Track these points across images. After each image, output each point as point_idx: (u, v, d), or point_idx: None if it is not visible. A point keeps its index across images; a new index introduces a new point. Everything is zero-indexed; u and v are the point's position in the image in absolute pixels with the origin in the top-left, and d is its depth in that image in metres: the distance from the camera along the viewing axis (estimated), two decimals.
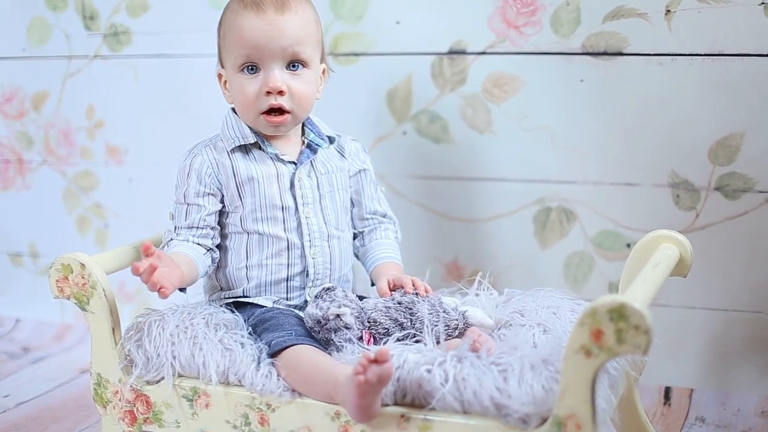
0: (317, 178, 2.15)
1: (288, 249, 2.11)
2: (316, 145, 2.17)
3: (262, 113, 2.08)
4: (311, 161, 2.15)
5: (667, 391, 2.61)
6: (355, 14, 2.76)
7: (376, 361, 1.68)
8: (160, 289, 1.87)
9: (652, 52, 2.50)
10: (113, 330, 2.04)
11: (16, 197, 3.35)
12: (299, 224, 2.11)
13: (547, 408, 1.65)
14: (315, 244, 2.12)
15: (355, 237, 2.28)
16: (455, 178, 2.74)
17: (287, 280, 2.12)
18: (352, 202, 2.26)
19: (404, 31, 2.73)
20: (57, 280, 2.04)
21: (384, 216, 2.30)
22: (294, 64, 2.08)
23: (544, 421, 1.66)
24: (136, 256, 2.19)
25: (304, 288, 2.13)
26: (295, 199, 2.11)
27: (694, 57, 2.46)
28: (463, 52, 2.68)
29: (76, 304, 2.04)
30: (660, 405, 2.56)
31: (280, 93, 2.06)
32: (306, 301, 2.12)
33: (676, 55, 2.48)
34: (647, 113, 2.53)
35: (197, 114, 2.97)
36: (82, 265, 2.01)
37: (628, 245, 2.60)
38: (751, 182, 2.49)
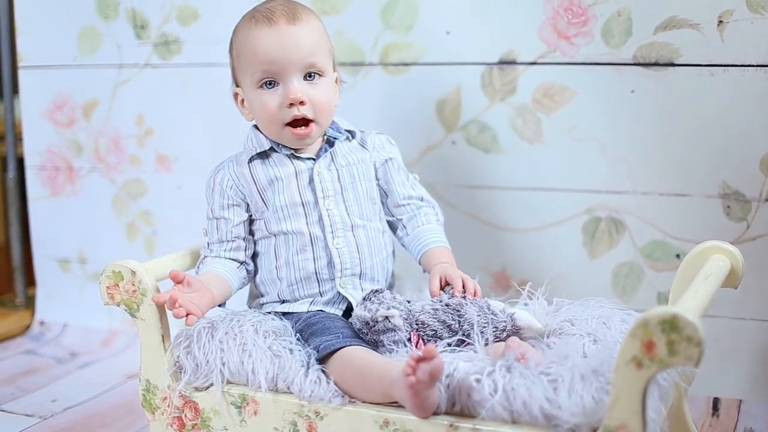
0: (338, 170, 2.17)
1: (311, 243, 2.13)
2: (333, 138, 2.19)
3: (287, 125, 2.10)
4: (331, 154, 2.17)
5: (716, 402, 2.59)
6: (405, 24, 2.76)
7: (423, 359, 1.69)
8: (187, 315, 1.90)
9: (704, 63, 2.48)
10: (163, 337, 2.05)
11: (65, 204, 3.37)
12: (320, 217, 2.13)
13: (597, 419, 1.65)
14: (338, 235, 2.13)
15: (395, 227, 2.30)
16: (504, 188, 2.73)
17: (316, 274, 2.13)
18: (384, 192, 2.27)
19: (454, 41, 2.73)
20: (107, 287, 2.06)
21: (421, 200, 2.30)
22: (311, 74, 2.11)
23: (593, 431, 1.65)
24: (185, 263, 2.21)
25: (333, 279, 2.13)
26: (314, 193, 2.13)
27: (746, 68, 2.44)
28: (513, 63, 2.67)
29: (126, 310, 2.06)
30: (708, 416, 2.54)
31: (302, 103, 2.08)
32: (339, 294, 2.13)
33: (728, 66, 2.46)
34: (698, 124, 2.51)
35: (244, 122, 2.97)
36: (133, 272, 2.03)
37: (678, 256, 2.58)
38: None
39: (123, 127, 3.22)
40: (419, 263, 2.26)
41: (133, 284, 2.03)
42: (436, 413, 1.77)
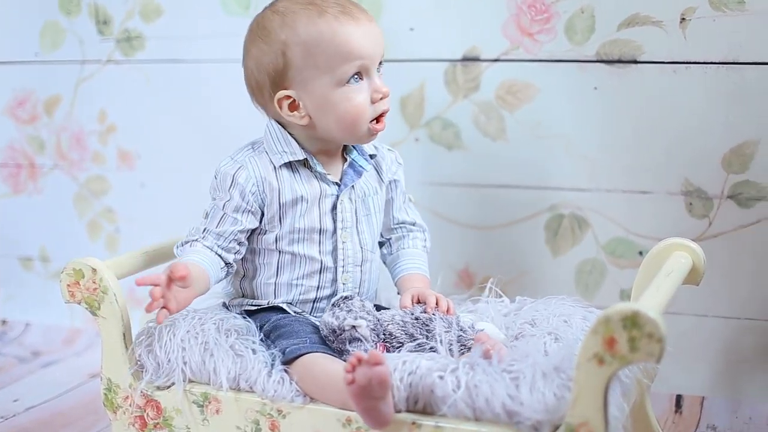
0: (356, 201, 2.11)
1: (321, 272, 2.09)
2: (360, 166, 2.11)
3: (372, 121, 2.04)
4: (353, 185, 2.11)
5: (679, 399, 2.60)
6: None
7: (366, 361, 1.68)
8: (162, 308, 1.88)
9: (666, 60, 2.49)
10: (124, 335, 2.04)
11: (27, 201, 3.35)
12: (335, 248, 2.09)
13: (560, 416, 1.65)
14: (347, 270, 2.10)
15: (382, 245, 2.27)
16: (468, 185, 2.73)
17: (314, 302, 2.11)
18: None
19: (418, 38, 2.73)
20: (68, 285, 2.04)
21: (413, 224, 2.28)
22: (377, 68, 2.06)
23: (556, 428, 1.65)
24: (148, 261, 2.19)
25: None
26: (335, 222, 2.08)
27: (708, 65, 2.46)
28: (476, 59, 2.67)
29: (87, 308, 2.04)
30: (671, 413, 2.55)
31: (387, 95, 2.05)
32: None
33: (690, 63, 2.47)
34: (661, 121, 2.52)
35: (209, 119, 2.97)
36: (94, 270, 2.01)
37: (641, 253, 2.59)
38: (764, 190, 2.48)
39: (86, 124, 3.20)
40: (395, 284, 2.24)
41: (94, 282, 2.01)
42: (398, 411, 1.76)
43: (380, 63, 2.06)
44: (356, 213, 2.11)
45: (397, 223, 2.26)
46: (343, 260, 2.09)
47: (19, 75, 3.27)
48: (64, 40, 3.18)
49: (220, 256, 2.06)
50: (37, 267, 3.38)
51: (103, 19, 3.10)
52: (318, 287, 2.10)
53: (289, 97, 2.02)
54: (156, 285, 1.87)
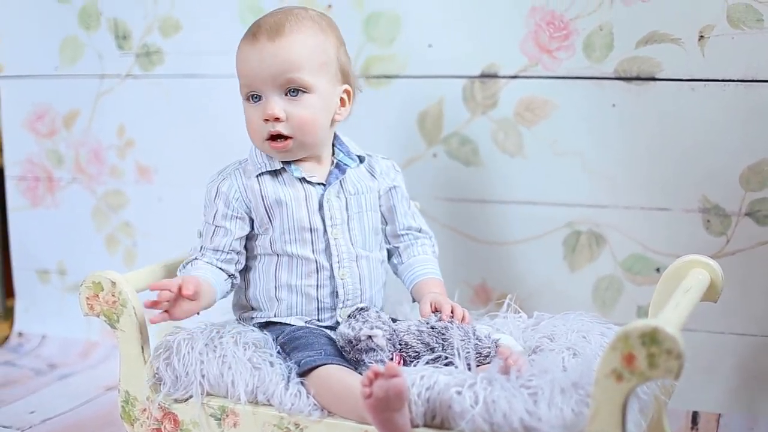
0: (346, 199, 2.14)
1: (317, 271, 2.11)
2: (345, 165, 2.17)
3: (266, 139, 2.08)
4: (340, 181, 2.15)
5: (695, 416, 2.59)
6: (388, 37, 2.76)
7: (382, 375, 1.69)
8: (163, 312, 1.91)
9: (684, 78, 2.49)
10: (142, 348, 2.05)
11: (45, 215, 3.36)
12: (327, 245, 2.11)
13: (577, 431, 1.65)
14: (343, 265, 2.12)
15: (391, 254, 2.28)
16: (485, 201, 2.74)
17: (317, 302, 2.12)
18: (385, 219, 2.26)
19: (436, 54, 2.73)
20: (87, 298, 2.05)
21: (420, 231, 2.29)
22: (293, 90, 2.07)
23: None
24: (166, 274, 2.20)
25: (335, 309, 2.12)
26: (323, 220, 2.11)
27: (727, 83, 2.45)
28: (495, 76, 2.68)
29: (105, 321, 2.05)
30: (687, 429, 2.54)
31: (277, 120, 2.06)
32: (338, 322, 2.11)
33: (708, 80, 2.47)
34: (679, 138, 2.52)
35: (227, 134, 2.97)
36: (113, 283, 2.02)
37: (658, 270, 2.59)
38: None
39: (104, 138, 3.21)
40: (410, 293, 2.25)
41: (113, 295, 2.02)
42: (415, 426, 1.76)
43: (294, 87, 2.07)
44: (347, 210, 2.14)
45: (404, 229, 2.27)
46: (338, 256, 2.12)
47: (39, 89, 3.28)
48: (84, 54, 3.20)
49: (221, 269, 2.12)
50: (54, 280, 3.39)
51: (123, 34, 3.11)
52: (317, 286, 2.11)
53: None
54: (168, 290, 1.91)
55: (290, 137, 2.07)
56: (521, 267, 2.73)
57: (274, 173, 2.13)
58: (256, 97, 2.09)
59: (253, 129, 2.10)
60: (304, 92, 2.07)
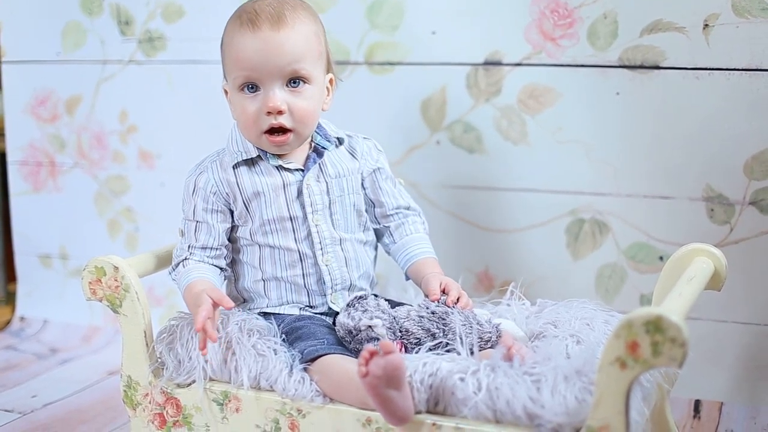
0: (327, 182, 2.12)
1: (300, 260, 2.10)
2: (322, 147, 2.14)
3: (264, 132, 2.05)
4: (319, 165, 2.12)
5: (697, 404, 2.60)
6: (391, 24, 2.76)
7: (379, 353, 1.70)
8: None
9: (689, 66, 2.49)
10: (145, 333, 2.05)
11: (47, 199, 3.36)
12: (309, 233, 2.10)
13: (580, 419, 1.65)
14: (327, 251, 2.11)
15: (382, 234, 2.27)
16: (488, 188, 2.73)
17: (306, 290, 2.11)
18: (372, 202, 2.23)
19: (440, 42, 2.73)
20: (90, 282, 2.05)
21: (408, 208, 2.27)
22: (294, 81, 2.04)
23: (577, 431, 1.65)
24: (168, 260, 2.19)
25: (324, 295, 2.12)
26: (303, 207, 2.09)
27: (731, 72, 2.45)
28: (498, 63, 2.67)
29: (108, 306, 2.05)
30: (690, 418, 2.54)
31: (280, 113, 2.02)
32: (330, 308, 2.11)
33: (713, 69, 2.47)
34: (683, 127, 2.52)
35: (229, 120, 2.97)
36: (116, 268, 2.02)
37: (661, 258, 2.59)
38: None
39: (106, 123, 3.21)
40: (405, 272, 2.24)
41: (116, 280, 2.02)
42: (418, 411, 1.77)
43: (296, 78, 2.04)
44: (328, 193, 2.12)
45: (393, 209, 2.25)
46: (320, 243, 2.10)
47: (41, 74, 3.28)
48: (86, 40, 3.19)
49: (213, 265, 2.11)
50: (56, 265, 3.39)
51: (125, 20, 3.11)
52: (303, 275, 2.11)
53: (227, 90, 2.14)
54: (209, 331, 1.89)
55: (291, 130, 2.05)
56: (524, 254, 2.74)
57: (251, 162, 2.10)
58: (252, 87, 2.05)
59: (249, 121, 2.06)
60: (305, 83, 2.06)
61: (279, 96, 2.02)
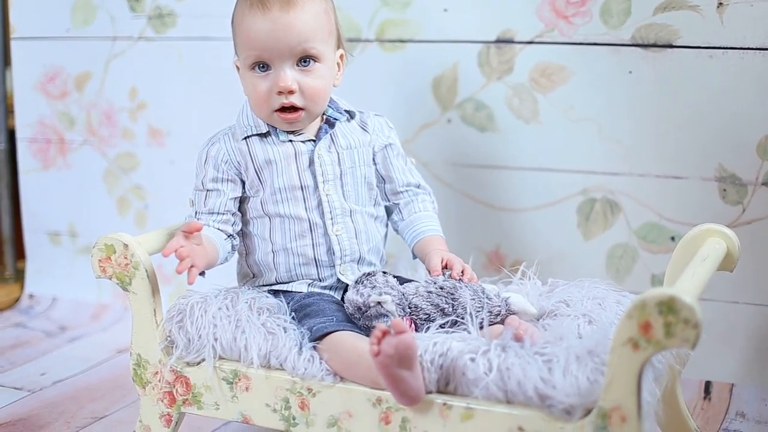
0: (338, 153, 2.13)
1: (310, 230, 2.10)
2: (333, 119, 2.16)
3: (275, 111, 2.06)
4: (331, 135, 2.13)
5: (708, 386, 2.59)
6: (403, 1, 2.75)
7: (390, 332, 1.69)
8: (191, 268, 1.89)
9: (703, 45, 2.47)
10: (155, 311, 2.04)
11: (56, 177, 3.36)
12: (320, 202, 2.10)
13: (592, 399, 1.64)
14: (337, 221, 2.11)
15: (391, 212, 2.27)
16: (499, 167, 2.72)
17: (315, 261, 2.11)
18: (382, 178, 2.24)
19: (451, 19, 2.72)
20: (99, 260, 2.05)
21: (418, 186, 2.27)
22: (305, 60, 2.05)
23: (588, 412, 1.64)
24: None
25: (333, 266, 2.11)
26: (314, 177, 2.10)
27: (745, 51, 2.44)
28: (510, 41, 2.66)
29: (118, 284, 2.05)
30: (700, 399, 2.54)
31: (291, 92, 2.03)
32: (338, 280, 2.11)
33: (727, 48, 2.45)
34: (696, 106, 2.51)
35: (239, 97, 2.95)
36: (125, 246, 2.01)
37: (672, 238, 2.58)
38: None
39: (116, 100, 3.20)
40: (411, 249, 2.24)
41: (126, 258, 2.02)
42: (428, 392, 1.76)
43: (307, 57, 2.05)
44: (340, 164, 2.13)
45: (403, 186, 2.25)
46: (331, 212, 2.10)
47: (50, 51, 3.28)
48: (96, 16, 3.19)
49: (219, 229, 2.12)
50: (65, 242, 3.39)
51: None
52: (313, 245, 2.10)
53: (239, 67, 2.14)
54: (180, 246, 1.90)
55: (302, 108, 2.06)
56: (535, 234, 2.73)
57: (262, 135, 2.12)
58: (263, 67, 2.06)
59: (260, 99, 2.07)
60: (315, 62, 2.06)
61: (290, 75, 2.04)
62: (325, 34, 2.08)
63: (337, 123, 2.15)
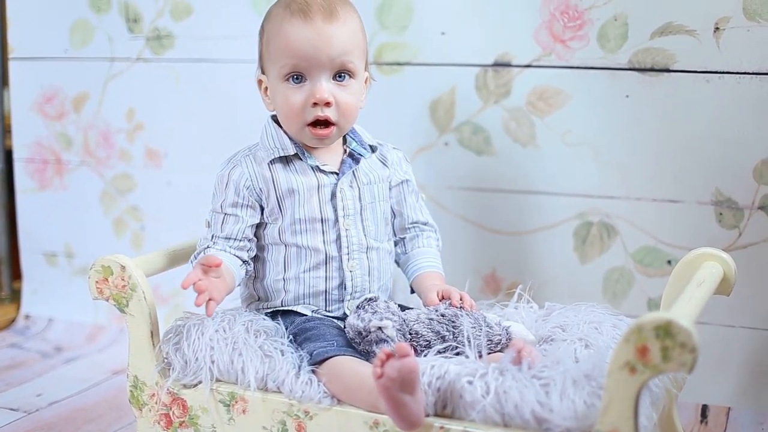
0: (359, 188, 2.12)
1: (326, 262, 2.09)
2: (359, 154, 2.14)
3: (308, 125, 2.05)
4: (353, 171, 2.12)
5: (704, 409, 2.59)
6: (400, 24, 2.75)
7: (394, 355, 1.69)
8: (208, 301, 1.88)
9: (699, 70, 2.48)
10: (152, 332, 2.04)
11: (53, 197, 3.36)
12: (338, 236, 2.09)
13: (589, 423, 1.64)
14: (353, 257, 2.10)
15: (395, 244, 2.27)
16: (496, 190, 2.73)
17: (325, 293, 2.10)
18: (393, 212, 2.24)
19: (449, 42, 2.72)
20: (96, 282, 2.05)
21: (425, 224, 2.27)
22: (341, 74, 2.04)
23: None
24: (174, 259, 2.19)
25: (342, 300, 2.11)
26: (335, 210, 2.09)
27: (741, 75, 2.44)
28: (508, 65, 2.67)
29: (115, 305, 2.05)
30: (697, 423, 2.54)
31: (327, 105, 2.02)
32: (345, 314, 2.09)
33: (723, 73, 2.46)
34: (692, 131, 2.51)
35: (237, 119, 2.98)
36: (123, 267, 2.01)
37: (669, 262, 2.58)
38: None
39: (113, 121, 3.21)
40: (410, 284, 2.24)
41: (123, 279, 2.02)
42: (426, 415, 1.76)
43: (343, 71, 2.05)
44: (360, 200, 2.12)
45: (411, 223, 2.26)
46: (348, 248, 2.09)
47: (48, 71, 3.28)
48: (94, 37, 3.19)
49: (235, 255, 2.10)
50: (61, 263, 3.39)
51: (133, 17, 3.10)
52: (326, 278, 2.09)
53: (262, 81, 2.13)
54: (198, 279, 1.88)
55: (334, 124, 2.05)
56: (532, 257, 2.73)
57: (286, 161, 2.09)
58: (297, 78, 2.04)
59: (293, 111, 2.05)
60: (350, 77, 2.06)
61: (326, 87, 2.03)
62: (361, 52, 2.08)
63: (362, 158, 2.15)
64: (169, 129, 3.14)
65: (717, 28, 2.44)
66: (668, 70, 2.51)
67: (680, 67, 2.50)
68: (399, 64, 2.78)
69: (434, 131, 2.77)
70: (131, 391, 2.07)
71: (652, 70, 2.53)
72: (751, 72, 2.44)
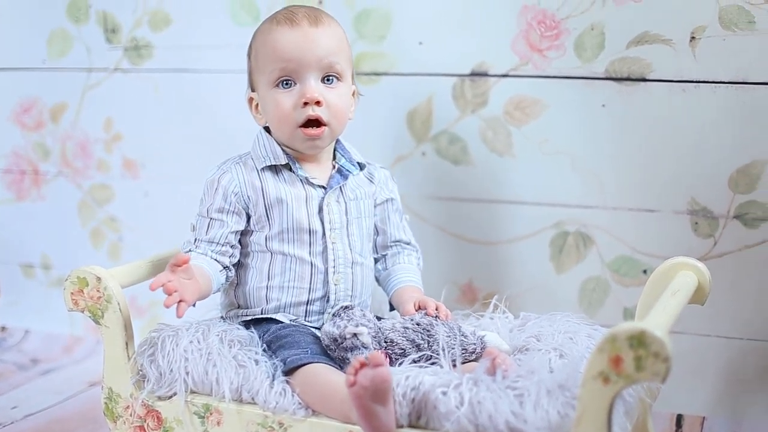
0: (346, 203, 2.13)
1: (311, 273, 2.09)
2: (347, 171, 2.16)
3: (300, 126, 2.06)
4: (341, 187, 2.14)
5: (679, 419, 2.59)
6: (378, 34, 2.75)
7: (367, 364, 1.69)
8: (179, 302, 1.87)
9: (675, 79, 2.48)
10: (126, 344, 2.04)
11: (30, 208, 3.35)
12: (325, 249, 2.10)
13: None
14: (339, 270, 2.11)
15: (376, 262, 2.27)
16: (473, 200, 2.73)
17: (307, 304, 2.10)
18: (376, 230, 2.26)
19: (426, 52, 2.72)
20: (72, 293, 2.04)
21: (408, 244, 2.29)
22: (329, 77, 2.08)
23: None
24: (151, 270, 2.19)
25: (323, 313, 2.12)
26: (323, 223, 2.10)
27: (717, 84, 2.45)
28: (485, 75, 2.67)
29: (90, 317, 2.04)
30: None
31: (318, 103, 2.05)
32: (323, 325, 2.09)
33: (699, 82, 2.46)
34: (669, 140, 2.52)
35: (216, 130, 2.97)
36: (98, 279, 2.01)
37: (645, 271, 2.58)
38: None
39: (91, 132, 3.19)
40: (389, 299, 2.25)
41: (98, 291, 2.01)
42: (399, 426, 1.76)
43: (331, 74, 2.09)
44: (346, 214, 2.13)
45: (393, 241, 2.28)
46: (334, 261, 2.10)
47: (26, 82, 3.27)
48: (72, 47, 3.18)
49: (216, 260, 2.10)
50: (38, 274, 3.37)
51: (112, 28, 3.10)
52: (310, 289, 2.10)
53: (252, 99, 2.16)
54: (168, 281, 1.87)
55: (326, 124, 2.07)
56: (508, 267, 2.72)
57: (276, 170, 2.11)
58: (287, 83, 2.07)
59: (284, 114, 2.07)
60: (338, 80, 2.10)
61: (316, 87, 2.06)
62: (347, 57, 2.13)
63: (350, 175, 2.16)
64: (147, 139, 3.13)
65: (693, 38, 2.45)
66: (645, 80, 2.51)
67: (656, 77, 2.50)
68: (377, 73, 2.78)
69: (411, 141, 2.77)
70: (106, 403, 2.06)
71: (628, 79, 2.53)
72: (727, 81, 2.44)
